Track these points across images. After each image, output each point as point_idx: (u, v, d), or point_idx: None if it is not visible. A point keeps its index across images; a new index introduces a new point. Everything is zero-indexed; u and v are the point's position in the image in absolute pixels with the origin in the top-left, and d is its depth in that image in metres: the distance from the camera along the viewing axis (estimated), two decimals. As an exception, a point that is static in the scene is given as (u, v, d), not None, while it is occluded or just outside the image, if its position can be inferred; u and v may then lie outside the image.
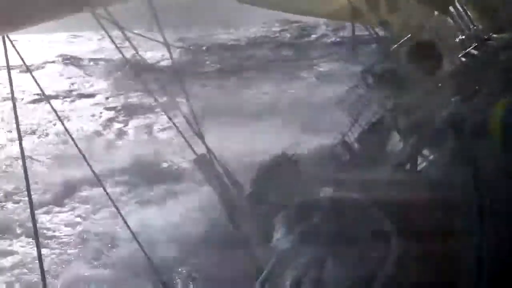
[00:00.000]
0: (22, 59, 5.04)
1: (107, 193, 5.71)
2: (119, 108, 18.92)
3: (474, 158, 4.71)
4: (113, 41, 6.02)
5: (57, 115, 6.67)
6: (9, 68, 4.75)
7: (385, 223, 4.15)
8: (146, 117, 18.19)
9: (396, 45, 7.20)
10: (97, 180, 5.63)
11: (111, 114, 18.44)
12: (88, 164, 5.25)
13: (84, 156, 5.27)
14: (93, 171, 5.33)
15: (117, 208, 5.54)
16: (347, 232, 4.21)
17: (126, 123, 18.31)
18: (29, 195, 4.75)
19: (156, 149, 13.35)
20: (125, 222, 5.31)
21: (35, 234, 5.00)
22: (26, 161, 4.77)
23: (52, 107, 6.90)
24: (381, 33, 7.50)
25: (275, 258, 4.42)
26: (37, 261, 5.08)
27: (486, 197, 4.42)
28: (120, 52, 6.21)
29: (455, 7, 7.45)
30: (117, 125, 17.46)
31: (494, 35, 7.01)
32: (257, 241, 5.16)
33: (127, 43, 6.37)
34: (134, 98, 19.55)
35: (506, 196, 4.47)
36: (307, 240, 4.24)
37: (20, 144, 5.06)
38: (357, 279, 4.02)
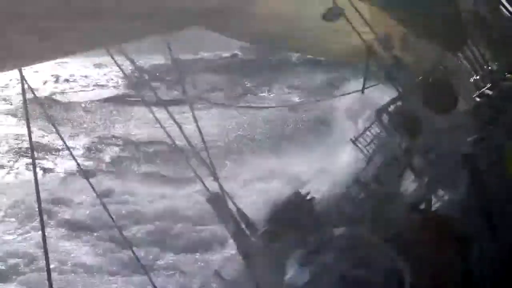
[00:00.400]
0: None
1: None
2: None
3: (489, 197, 4.69)
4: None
5: None
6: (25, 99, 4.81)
7: (398, 262, 4.12)
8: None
9: (410, 85, 7.20)
10: None
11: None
12: None
13: None
14: None
15: None
16: (360, 271, 4.18)
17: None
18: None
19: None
20: None
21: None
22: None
23: None
24: (395, 72, 7.50)
25: None
26: None
27: (501, 235, 4.39)
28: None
29: (468, 47, 7.46)
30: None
31: (509, 75, 7.01)
32: (270, 280, 5.13)
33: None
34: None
35: None
36: (319, 279, 4.21)
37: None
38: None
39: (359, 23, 7.22)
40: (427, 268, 4.27)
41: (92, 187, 5.88)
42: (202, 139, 6.35)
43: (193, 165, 6.34)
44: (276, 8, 7.33)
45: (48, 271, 4.50)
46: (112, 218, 5.94)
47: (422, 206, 5.04)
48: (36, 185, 4.58)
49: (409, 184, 5.57)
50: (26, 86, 4.88)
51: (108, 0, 4.10)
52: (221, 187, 6.01)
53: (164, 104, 6.55)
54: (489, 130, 5.64)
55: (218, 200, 5.98)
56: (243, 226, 5.79)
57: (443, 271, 4.34)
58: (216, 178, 6.06)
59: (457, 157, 5.28)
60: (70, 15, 3.88)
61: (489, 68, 7.55)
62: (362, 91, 7.86)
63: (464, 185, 4.95)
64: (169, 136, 6.50)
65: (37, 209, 4.84)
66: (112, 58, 5.98)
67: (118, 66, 6.31)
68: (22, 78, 4.80)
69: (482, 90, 6.87)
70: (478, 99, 6.73)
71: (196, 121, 6.29)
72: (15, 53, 3.93)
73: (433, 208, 5.01)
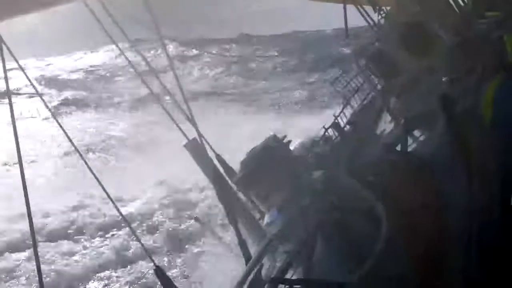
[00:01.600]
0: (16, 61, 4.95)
1: None
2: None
3: (464, 139, 4.70)
4: (109, 35, 6.01)
5: None
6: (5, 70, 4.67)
7: (376, 204, 4.14)
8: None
9: (387, 27, 7.16)
10: None
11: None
12: None
13: None
14: None
15: None
16: (337, 214, 4.21)
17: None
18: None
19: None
20: None
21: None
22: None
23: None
24: (373, 14, 7.45)
25: (265, 242, 4.42)
26: None
27: (476, 177, 4.42)
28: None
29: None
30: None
31: (487, 13, 6.96)
32: (248, 224, 5.17)
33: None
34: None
35: (495, 177, 4.47)
36: (297, 223, 4.24)
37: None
38: (347, 261, 4.02)
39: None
40: (404, 209, 4.30)
41: None
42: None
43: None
44: None
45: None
46: None
47: (398, 147, 5.05)
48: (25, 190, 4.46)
49: (385, 126, 5.58)
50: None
51: None
52: (199, 133, 6.00)
53: None
54: (466, 71, 5.62)
55: (196, 146, 5.97)
56: (222, 172, 5.82)
57: (419, 211, 4.38)
58: (193, 123, 6.04)
59: (434, 98, 5.27)
60: None
61: (466, 6, 7.51)
62: (346, 36, 7.81)
63: (441, 126, 4.95)
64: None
65: None
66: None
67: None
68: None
69: (459, 30, 6.83)
70: (455, 39, 6.69)
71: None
72: None
73: (409, 149, 5.02)
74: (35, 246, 4.70)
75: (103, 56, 28.55)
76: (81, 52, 30.59)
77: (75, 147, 5.70)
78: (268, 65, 25.95)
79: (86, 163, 5.32)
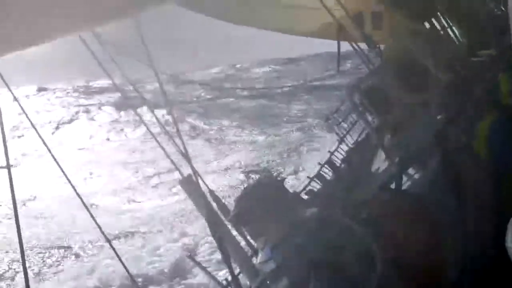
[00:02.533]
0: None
1: None
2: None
3: (459, 176, 4.70)
4: (102, 66, 6.00)
5: None
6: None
7: (370, 243, 4.12)
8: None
9: (382, 63, 7.19)
10: None
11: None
12: None
13: None
14: None
15: None
16: (332, 253, 4.18)
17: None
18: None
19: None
20: None
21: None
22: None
23: None
24: (367, 50, 7.49)
25: (259, 280, 4.38)
26: None
27: (471, 214, 4.42)
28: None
29: (440, 23, 7.45)
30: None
31: (481, 52, 7.02)
32: (241, 262, 5.12)
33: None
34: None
35: (490, 214, 4.46)
36: (291, 261, 4.20)
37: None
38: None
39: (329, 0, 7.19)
40: (398, 248, 4.28)
41: None
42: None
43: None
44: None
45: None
46: None
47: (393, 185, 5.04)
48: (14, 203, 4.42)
49: (380, 163, 5.57)
50: None
51: None
52: (193, 168, 5.97)
53: None
54: (460, 108, 5.65)
55: (190, 183, 5.94)
56: (216, 209, 5.78)
57: (415, 251, 4.36)
58: (188, 159, 6.01)
59: (428, 135, 5.28)
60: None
61: (461, 44, 7.56)
62: (338, 69, 7.84)
63: (435, 164, 4.95)
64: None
65: None
66: None
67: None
68: None
69: (453, 68, 6.87)
70: (449, 77, 6.73)
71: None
72: None
73: (403, 187, 5.01)
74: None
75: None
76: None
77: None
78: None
79: None
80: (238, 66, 31.33)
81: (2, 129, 4.21)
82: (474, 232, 4.52)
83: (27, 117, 6.24)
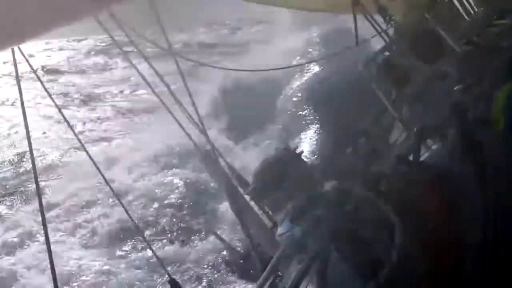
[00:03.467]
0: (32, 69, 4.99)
1: None
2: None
3: (477, 147, 4.70)
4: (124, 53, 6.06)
5: None
6: (18, 80, 4.69)
7: (389, 214, 4.14)
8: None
9: (397, 35, 7.17)
10: None
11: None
12: None
13: None
14: None
15: None
16: (352, 225, 4.21)
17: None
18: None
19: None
20: None
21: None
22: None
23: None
24: (382, 22, 7.45)
25: (279, 252, 4.42)
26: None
27: (490, 186, 4.42)
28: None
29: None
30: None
31: (497, 21, 6.97)
32: (261, 234, 5.18)
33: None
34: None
35: (509, 186, 4.46)
36: (311, 234, 4.24)
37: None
38: (362, 271, 4.03)
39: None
40: (419, 220, 4.31)
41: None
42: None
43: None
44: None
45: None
46: None
47: (411, 157, 5.05)
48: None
49: (398, 135, 5.59)
50: None
51: None
52: (212, 144, 6.02)
53: None
54: (477, 79, 5.62)
55: (209, 158, 6.01)
56: (235, 183, 5.84)
57: (433, 221, 4.38)
58: (205, 135, 6.06)
59: (446, 106, 5.27)
60: None
61: (477, 13, 7.51)
62: (356, 43, 7.80)
63: (453, 135, 4.95)
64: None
65: None
66: None
67: None
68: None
69: (469, 37, 6.83)
70: (466, 47, 6.70)
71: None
72: None
73: (421, 158, 5.02)
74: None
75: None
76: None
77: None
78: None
79: None
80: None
81: None
82: (494, 203, 4.52)
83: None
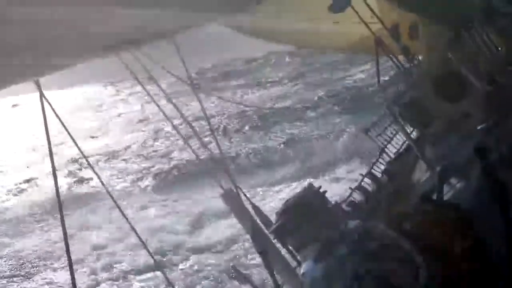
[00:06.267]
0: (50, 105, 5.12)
1: None
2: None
3: (500, 187, 4.69)
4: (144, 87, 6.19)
5: None
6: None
7: (413, 254, 4.13)
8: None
9: (420, 74, 7.20)
10: None
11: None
12: None
13: None
14: None
15: None
16: (376, 264, 4.20)
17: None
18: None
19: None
20: None
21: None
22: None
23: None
24: (405, 62, 7.51)
25: None
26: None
27: None
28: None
29: (476, 31, 7.41)
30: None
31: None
32: (285, 274, 5.17)
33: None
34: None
35: None
36: (333, 274, 4.24)
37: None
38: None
39: (366, 14, 7.23)
40: (442, 260, 4.29)
41: None
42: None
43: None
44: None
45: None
46: None
47: (434, 196, 5.04)
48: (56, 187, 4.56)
49: (421, 175, 5.58)
50: None
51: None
52: (234, 183, 6.06)
53: None
54: (500, 118, 5.62)
55: (232, 197, 6.02)
56: (259, 222, 5.84)
57: (458, 262, 4.36)
58: (229, 174, 6.10)
59: (469, 146, 5.27)
60: None
61: (499, 52, 7.51)
62: (378, 83, 7.83)
63: (476, 175, 4.94)
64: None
65: None
66: None
67: None
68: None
69: (492, 77, 6.84)
70: (489, 86, 6.70)
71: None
72: None
73: (445, 198, 5.01)
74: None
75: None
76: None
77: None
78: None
79: None
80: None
81: None
82: None
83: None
